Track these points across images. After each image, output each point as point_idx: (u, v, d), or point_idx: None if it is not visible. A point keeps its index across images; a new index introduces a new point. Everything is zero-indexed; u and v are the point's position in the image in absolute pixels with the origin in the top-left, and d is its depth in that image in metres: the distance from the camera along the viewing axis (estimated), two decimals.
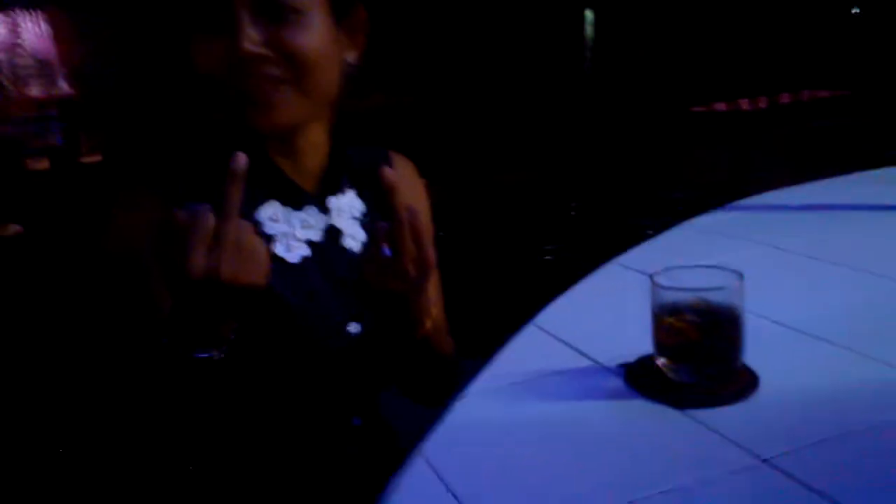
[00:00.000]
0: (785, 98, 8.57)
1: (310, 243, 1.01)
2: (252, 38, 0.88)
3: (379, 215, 1.02)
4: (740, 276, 0.89)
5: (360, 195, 1.09)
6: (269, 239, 0.97)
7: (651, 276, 0.90)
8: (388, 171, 0.90)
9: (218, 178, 0.83)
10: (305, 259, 1.00)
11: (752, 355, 0.93)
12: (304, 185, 1.03)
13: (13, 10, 7.79)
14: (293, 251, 0.99)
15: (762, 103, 8.27)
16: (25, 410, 2.67)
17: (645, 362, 0.97)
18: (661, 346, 0.93)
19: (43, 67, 8.02)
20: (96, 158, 8.03)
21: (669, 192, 4.12)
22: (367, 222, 1.07)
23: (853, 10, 10.36)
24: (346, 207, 1.07)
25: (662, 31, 9.07)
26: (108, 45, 8.12)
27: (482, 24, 8.20)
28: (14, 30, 7.83)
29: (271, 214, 0.99)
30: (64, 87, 8.14)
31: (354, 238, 1.06)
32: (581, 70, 8.76)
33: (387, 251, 0.91)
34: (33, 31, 7.94)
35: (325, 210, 1.04)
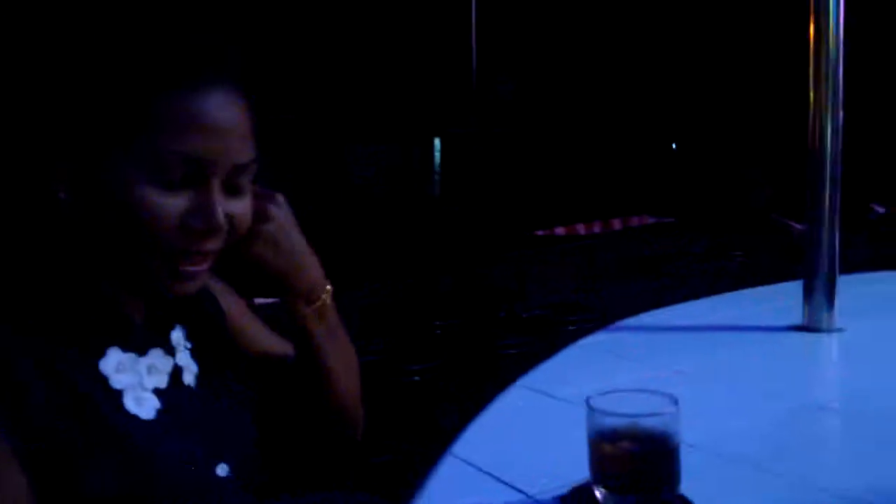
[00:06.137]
0: (617, 223, 9.24)
1: (157, 391, 0.86)
2: (222, 211, 0.80)
3: (202, 339, 0.95)
4: (675, 400, 0.88)
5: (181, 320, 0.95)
6: (117, 395, 0.82)
7: (587, 401, 0.89)
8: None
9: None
10: (159, 412, 0.85)
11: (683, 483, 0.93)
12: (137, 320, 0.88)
13: None
14: (144, 405, 0.84)
15: (597, 228, 8.97)
16: None
17: (580, 492, 0.93)
18: (600, 474, 0.90)
19: None
20: None
21: (528, 311, 4.05)
22: (194, 349, 0.94)
23: (672, 146, 11.17)
24: (182, 340, 0.93)
25: (505, 159, 9.37)
26: None
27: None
28: None
29: (116, 365, 0.84)
30: None
31: (190, 371, 0.92)
32: (430, 194, 9.09)
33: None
34: None
35: (170, 351, 0.90)
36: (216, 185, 0.80)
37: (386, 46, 8.91)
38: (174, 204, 0.79)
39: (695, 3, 10.68)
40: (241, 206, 0.84)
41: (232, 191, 0.83)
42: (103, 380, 0.82)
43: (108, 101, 0.79)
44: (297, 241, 0.97)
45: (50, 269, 0.82)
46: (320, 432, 1.07)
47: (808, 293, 1.79)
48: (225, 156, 0.80)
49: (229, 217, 0.82)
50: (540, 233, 8.22)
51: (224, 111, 0.81)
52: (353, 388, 1.08)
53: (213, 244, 0.82)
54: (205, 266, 0.83)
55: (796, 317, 1.80)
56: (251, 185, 0.88)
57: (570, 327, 3.67)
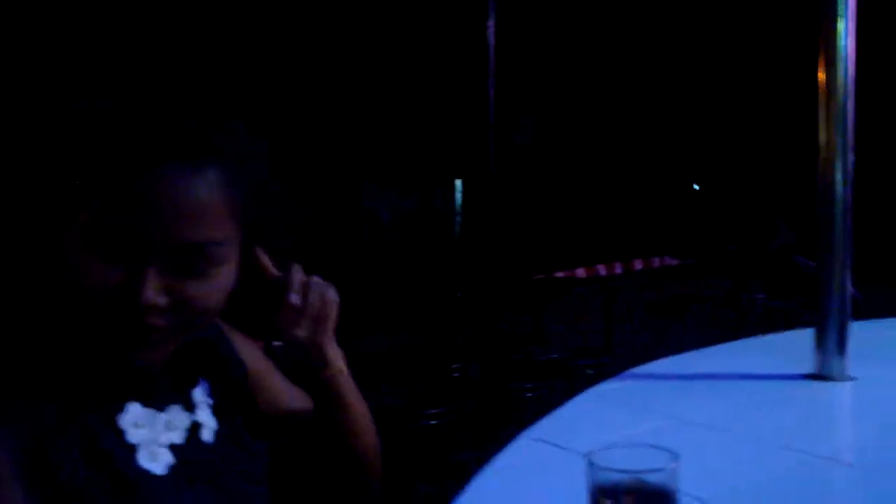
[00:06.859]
0: (638, 265, 9.41)
1: (172, 447, 0.87)
2: (154, 290, 0.78)
3: (223, 395, 0.96)
4: (676, 456, 0.88)
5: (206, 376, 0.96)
6: (131, 449, 0.83)
7: (588, 456, 0.88)
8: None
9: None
10: (172, 468, 0.85)
11: None
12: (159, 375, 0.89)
13: None
14: (157, 460, 0.85)
15: (618, 269, 9.15)
16: None
17: None
18: None
19: None
20: None
21: (546, 354, 3.97)
22: (215, 405, 0.95)
23: (694, 186, 11.18)
24: (204, 396, 0.94)
25: (526, 201, 9.55)
26: None
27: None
28: None
29: (134, 420, 0.85)
30: None
31: (209, 428, 0.92)
32: (452, 235, 9.29)
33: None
34: None
35: (190, 407, 0.91)
36: (152, 262, 0.78)
37: (408, 92, 9.07)
38: (110, 277, 0.77)
39: (721, 47, 10.78)
40: (199, 287, 0.81)
41: (184, 271, 0.80)
42: (120, 434, 0.83)
43: (59, 171, 0.80)
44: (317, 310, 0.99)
45: (70, 327, 0.83)
46: (341, 484, 1.08)
47: (819, 340, 1.75)
48: (165, 234, 0.78)
49: (181, 296, 0.80)
50: (560, 274, 8.15)
51: (168, 188, 0.77)
52: (373, 438, 1.09)
53: (159, 321, 0.79)
54: (161, 337, 0.81)
55: (810, 365, 1.76)
56: (231, 264, 0.85)
57: (589, 371, 3.59)
